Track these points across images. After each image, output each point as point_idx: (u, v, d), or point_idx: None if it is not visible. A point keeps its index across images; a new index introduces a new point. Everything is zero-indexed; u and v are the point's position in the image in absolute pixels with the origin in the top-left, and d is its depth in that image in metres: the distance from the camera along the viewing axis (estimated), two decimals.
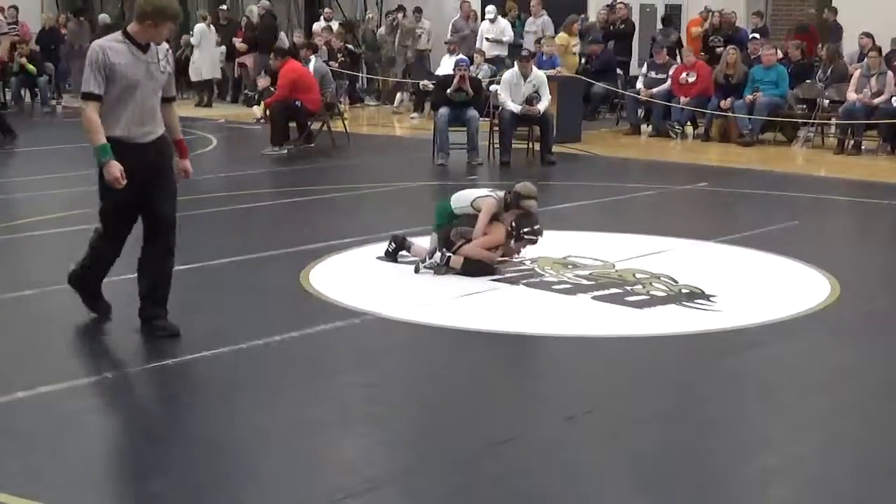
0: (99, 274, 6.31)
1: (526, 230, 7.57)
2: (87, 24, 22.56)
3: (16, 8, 20.50)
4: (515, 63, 13.98)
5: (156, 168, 5.98)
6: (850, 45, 16.79)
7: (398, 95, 20.03)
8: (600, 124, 17.14)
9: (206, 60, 20.65)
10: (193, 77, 20.71)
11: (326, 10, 22.39)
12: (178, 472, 4.40)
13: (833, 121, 15.40)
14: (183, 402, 5.23)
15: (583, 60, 17.92)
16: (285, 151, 14.01)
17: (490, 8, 19.34)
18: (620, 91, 17.32)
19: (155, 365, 5.59)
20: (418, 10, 21.19)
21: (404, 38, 20.63)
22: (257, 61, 19.83)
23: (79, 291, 6.36)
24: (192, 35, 20.81)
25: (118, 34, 5.94)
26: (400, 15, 21.10)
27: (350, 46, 20.70)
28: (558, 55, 17.09)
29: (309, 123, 14.90)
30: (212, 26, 20.87)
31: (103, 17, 22.33)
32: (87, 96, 5.79)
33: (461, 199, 7.78)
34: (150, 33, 5.84)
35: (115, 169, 5.75)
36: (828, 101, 15.44)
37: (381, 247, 8.19)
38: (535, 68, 14.00)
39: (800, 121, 15.66)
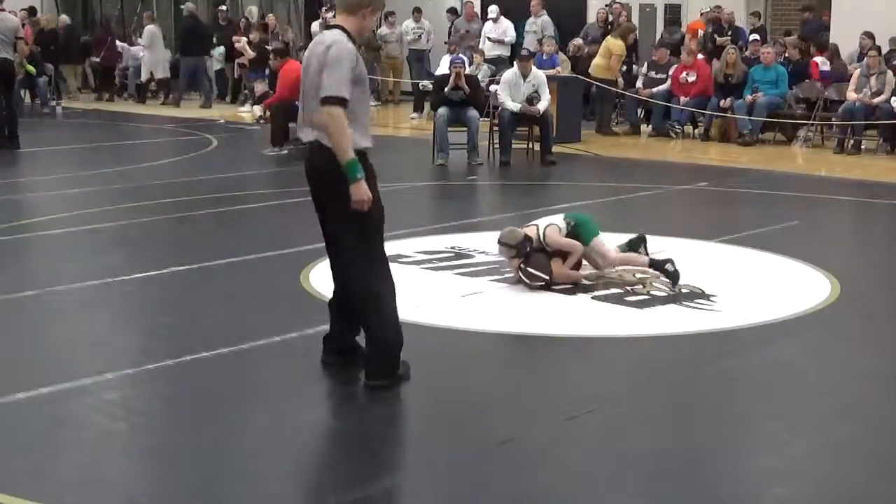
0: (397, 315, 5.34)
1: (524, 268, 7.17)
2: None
3: (27, 10, 20.52)
4: (515, 63, 13.98)
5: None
6: (849, 45, 16.77)
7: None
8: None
9: (158, 61, 21.20)
10: (144, 77, 21.41)
11: (323, 10, 22.38)
12: (177, 472, 4.40)
13: (833, 121, 15.42)
14: (182, 403, 5.22)
15: (623, 69, 17.77)
16: (285, 151, 14.00)
17: (492, 8, 19.32)
18: (620, 91, 17.32)
19: (155, 365, 5.58)
20: (418, 10, 21.19)
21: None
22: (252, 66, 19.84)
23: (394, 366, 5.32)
24: (141, 37, 21.39)
25: (338, 32, 5.16)
26: (323, 9, 21.12)
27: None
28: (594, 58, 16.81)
29: None
30: (159, 27, 21.50)
31: (63, 18, 22.37)
32: (341, 101, 4.97)
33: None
34: (363, 24, 5.21)
35: (367, 189, 5.07)
36: (827, 100, 15.45)
37: None
38: (534, 68, 14.01)
39: (800, 121, 15.67)
